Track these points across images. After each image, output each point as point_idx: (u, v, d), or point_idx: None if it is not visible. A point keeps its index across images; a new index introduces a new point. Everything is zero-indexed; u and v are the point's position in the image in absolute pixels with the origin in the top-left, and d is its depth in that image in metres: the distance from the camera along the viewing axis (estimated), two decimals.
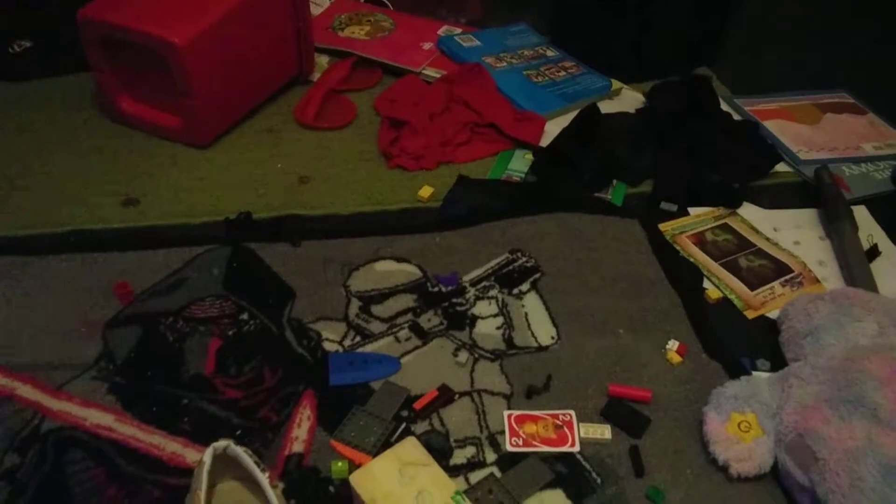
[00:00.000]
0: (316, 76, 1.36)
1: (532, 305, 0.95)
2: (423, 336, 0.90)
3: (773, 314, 0.95)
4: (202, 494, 0.62)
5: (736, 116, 1.30)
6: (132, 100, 1.20)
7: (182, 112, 1.15)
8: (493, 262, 1.01)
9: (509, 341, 0.90)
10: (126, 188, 1.11)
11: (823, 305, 0.87)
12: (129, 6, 1.10)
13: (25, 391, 0.81)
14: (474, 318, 0.93)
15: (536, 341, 0.90)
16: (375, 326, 0.91)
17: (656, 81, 1.34)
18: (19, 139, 1.20)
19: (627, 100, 1.36)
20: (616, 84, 1.37)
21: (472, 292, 0.96)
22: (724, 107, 1.31)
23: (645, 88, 1.35)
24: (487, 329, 0.92)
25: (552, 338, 0.91)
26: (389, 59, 1.39)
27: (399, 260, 1.00)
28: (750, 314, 0.96)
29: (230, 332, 0.89)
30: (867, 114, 1.35)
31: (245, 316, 0.91)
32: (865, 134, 1.29)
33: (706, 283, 1.00)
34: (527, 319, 0.93)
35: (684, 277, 1.00)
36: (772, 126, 1.28)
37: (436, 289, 0.96)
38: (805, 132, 1.28)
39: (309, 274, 0.98)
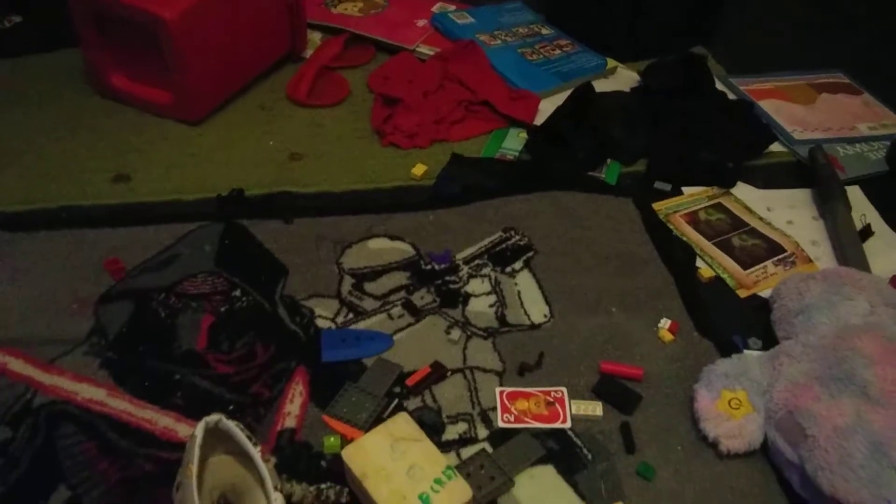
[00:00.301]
0: (308, 53, 1.35)
1: (525, 283, 0.95)
2: (416, 313, 0.90)
3: (765, 293, 0.95)
4: (194, 468, 0.62)
5: (731, 96, 1.29)
6: (123, 76, 1.19)
7: (173, 88, 1.14)
8: (486, 241, 1.01)
9: (502, 319, 0.90)
10: (117, 164, 1.10)
11: (815, 284, 0.87)
12: None
13: (17, 366, 0.81)
14: (467, 296, 0.93)
15: (529, 319, 0.91)
16: (368, 304, 0.91)
17: (651, 60, 1.33)
18: (9, 115, 1.19)
19: (622, 78, 1.35)
20: (611, 63, 1.37)
21: (465, 270, 0.96)
22: (719, 86, 1.31)
23: (640, 67, 1.34)
24: (480, 307, 0.92)
25: (545, 316, 0.91)
26: (383, 36, 1.38)
27: (392, 238, 1.00)
28: (742, 293, 0.96)
29: (222, 309, 0.88)
30: (862, 94, 1.34)
31: (237, 292, 0.90)
32: (860, 114, 1.29)
33: (699, 262, 1.00)
34: (519, 297, 0.93)
35: (677, 256, 1.00)
36: (766, 106, 1.28)
37: (429, 266, 0.96)
38: (800, 112, 1.27)
39: (301, 251, 0.97)
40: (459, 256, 0.98)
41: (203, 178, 1.08)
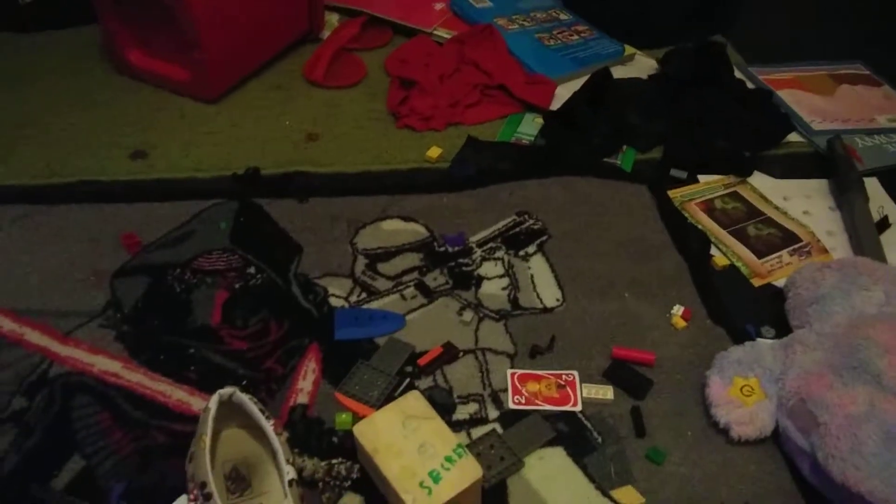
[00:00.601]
0: (326, 34, 1.35)
1: (538, 267, 0.95)
2: (429, 294, 0.91)
3: (779, 283, 0.94)
4: (207, 440, 0.63)
5: (749, 85, 1.28)
6: (141, 53, 1.19)
7: (191, 66, 1.14)
8: (500, 224, 1.01)
9: (514, 302, 0.90)
10: (134, 141, 1.10)
11: (830, 274, 0.87)
12: None
13: (34, 337, 0.82)
14: (480, 279, 0.93)
15: (541, 303, 0.91)
16: (381, 284, 0.92)
17: (670, 48, 1.32)
18: (28, 90, 1.20)
19: (640, 66, 1.34)
20: (629, 49, 1.36)
21: (478, 253, 0.96)
22: (738, 75, 1.30)
23: (658, 55, 1.33)
24: (493, 290, 0.92)
25: (557, 300, 0.91)
26: (400, 19, 1.37)
27: (406, 219, 1.00)
28: (756, 282, 0.95)
29: (237, 285, 0.89)
30: (882, 86, 1.33)
31: (252, 270, 0.91)
32: (880, 106, 1.27)
33: (713, 250, 0.99)
34: (532, 281, 0.93)
35: (691, 243, 1.00)
36: (785, 95, 1.27)
37: (442, 248, 0.96)
38: (819, 102, 1.26)
39: (316, 230, 0.98)
40: (473, 239, 0.98)
41: (219, 156, 1.09)
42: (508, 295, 0.91)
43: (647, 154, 1.14)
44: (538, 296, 0.91)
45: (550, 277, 0.94)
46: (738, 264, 0.97)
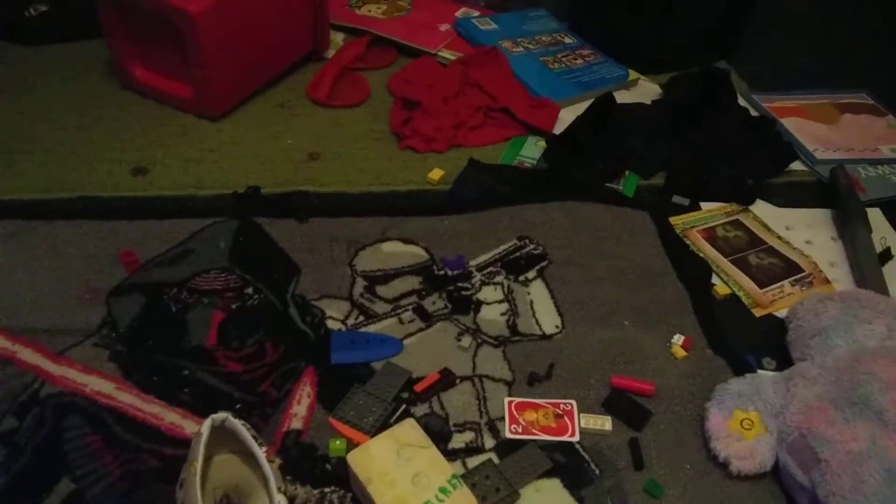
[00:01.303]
0: (331, 53, 1.35)
1: (538, 293, 0.94)
2: (427, 319, 0.90)
3: (781, 313, 0.94)
4: (198, 465, 0.62)
5: (753, 112, 1.28)
6: (145, 68, 1.19)
7: (194, 83, 1.14)
8: (500, 248, 1.00)
9: (513, 328, 0.90)
10: (136, 157, 1.10)
11: (833, 306, 0.86)
12: None
13: (26, 355, 0.81)
14: (479, 303, 0.92)
15: (540, 329, 0.90)
16: (379, 307, 0.91)
17: (674, 73, 1.32)
18: (31, 103, 1.20)
19: (644, 90, 1.34)
20: (633, 74, 1.36)
21: (477, 277, 0.96)
22: (742, 102, 1.30)
23: (662, 80, 1.33)
24: (492, 315, 0.91)
25: (556, 326, 0.90)
26: (405, 40, 1.37)
27: (406, 241, 1.00)
28: (758, 312, 0.95)
29: (234, 306, 0.88)
30: (887, 116, 1.33)
31: (249, 290, 0.90)
32: (884, 136, 1.27)
33: (715, 279, 0.99)
34: (532, 307, 0.92)
35: (692, 272, 0.99)
36: (789, 124, 1.27)
37: (441, 272, 0.96)
38: (822, 131, 1.26)
39: (315, 251, 0.97)
40: (473, 263, 0.97)
41: (220, 173, 1.08)
42: (507, 321, 0.91)
43: (650, 180, 1.14)
44: (537, 322, 0.91)
45: (550, 303, 0.93)
46: (740, 293, 0.97)
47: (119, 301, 0.88)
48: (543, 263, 0.98)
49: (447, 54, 1.35)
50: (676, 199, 1.11)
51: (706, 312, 0.93)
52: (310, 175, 1.09)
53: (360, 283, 0.93)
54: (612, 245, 1.02)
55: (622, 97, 1.26)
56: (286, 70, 1.30)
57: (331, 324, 0.88)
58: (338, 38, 1.39)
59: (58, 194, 1.02)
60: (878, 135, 1.27)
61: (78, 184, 1.04)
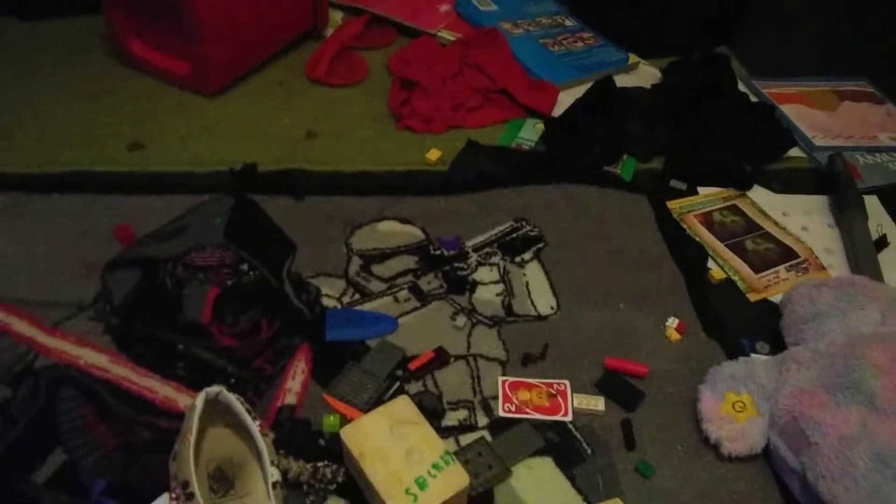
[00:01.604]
0: (329, 31, 1.34)
1: (533, 274, 0.94)
2: (423, 298, 0.90)
3: (776, 298, 0.94)
4: (192, 437, 0.62)
5: (752, 98, 1.28)
6: (143, 44, 1.18)
7: (192, 59, 1.13)
8: (497, 229, 1.00)
9: (508, 308, 0.90)
10: (133, 132, 1.10)
11: (828, 291, 0.86)
12: None
13: (21, 327, 0.81)
14: (475, 284, 0.92)
15: (536, 310, 0.90)
16: (375, 285, 0.91)
17: (674, 58, 1.32)
18: (28, 78, 1.19)
19: (644, 75, 1.34)
20: (633, 58, 1.35)
21: (474, 258, 0.96)
22: (741, 87, 1.29)
23: (662, 64, 1.33)
24: (487, 295, 0.91)
25: (552, 308, 0.90)
26: (405, 19, 1.37)
27: (403, 221, 1.00)
28: (753, 297, 0.95)
29: (229, 282, 0.88)
30: (886, 104, 1.32)
31: (245, 266, 0.90)
32: (883, 124, 1.27)
33: (711, 264, 0.99)
34: (527, 288, 0.93)
35: (689, 256, 0.99)
36: (788, 110, 1.26)
37: (438, 252, 0.96)
38: (821, 118, 1.26)
39: (311, 229, 0.97)
40: (469, 244, 0.97)
41: (217, 151, 1.08)
42: (503, 301, 0.91)
43: (648, 164, 1.14)
44: (532, 303, 0.91)
45: (546, 285, 0.93)
46: (735, 278, 0.97)
47: (114, 275, 0.88)
48: (540, 245, 0.98)
49: (447, 34, 1.34)
50: (674, 183, 1.11)
51: (701, 296, 0.93)
52: (307, 153, 1.09)
53: (356, 262, 0.93)
54: (609, 228, 1.02)
55: (622, 81, 1.26)
56: (285, 47, 1.29)
57: (326, 301, 0.88)
58: (337, 16, 1.38)
59: (53, 168, 1.02)
60: (877, 122, 1.27)
61: (75, 158, 1.04)
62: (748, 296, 0.95)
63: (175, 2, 1.05)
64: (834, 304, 0.85)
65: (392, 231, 0.98)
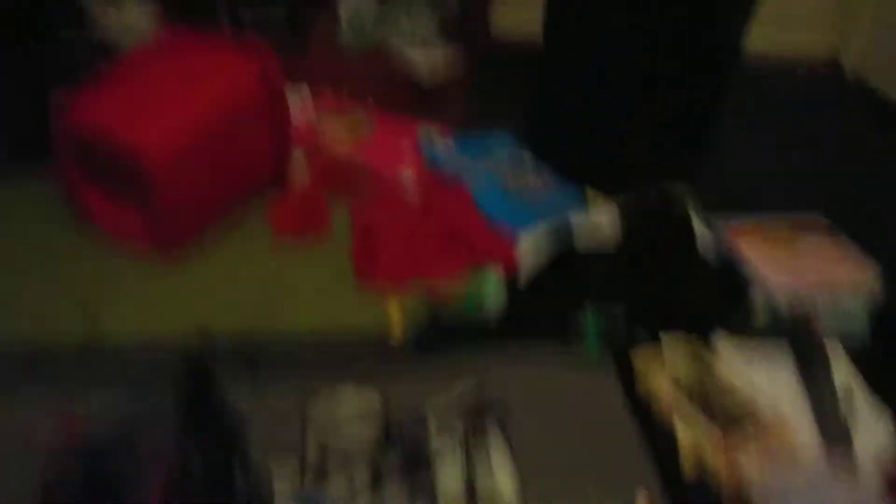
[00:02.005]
0: (293, 181, 1.34)
1: (496, 449, 0.92)
2: (380, 476, 0.87)
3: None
4: None
5: (709, 234, 1.28)
6: (101, 210, 1.17)
7: (149, 225, 1.13)
8: (458, 395, 0.98)
9: (470, 488, 0.87)
10: (87, 298, 1.08)
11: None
12: (106, 113, 1.09)
13: None
14: (435, 458, 0.90)
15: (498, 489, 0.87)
16: (332, 460, 0.88)
17: (630, 193, 1.33)
18: None
19: (602, 212, 1.34)
20: (591, 195, 1.37)
21: (434, 426, 0.93)
22: (698, 224, 1.30)
23: (620, 200, 1.33)
24: (448, 476, 0.88)
25: (515, 491, 0.88)
26: (369, 164, 1.37)
27: (361, 385, 0.97)
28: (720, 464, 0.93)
29: (176, 471, 0.85)
30: (841, 238, 1.33)
31: (193, 455, 0.87)
32: (839, 264, 1.26)
33: (677, 424, 0.97)
34: (489, 464, 0.90)
35: (657, 433, 0.98)
36: (746, 248, 1.26)
37: (397, 423, 0.93)
38: (780, 261, 1.25)
39: (266, 397, 0.95)
40: (430, 410, 0.95)
41: (173, 315, 1.07)
42: (464, 482, 0.88)
43: (610, 313, 1.13)
44: (495, 482, 0.88)
45: (509, 461, 0.91)
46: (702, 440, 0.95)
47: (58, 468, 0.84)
48: (501, 415, 0.96)
49: (409, 175, 1.35)
50: (637, 332, 1.10)
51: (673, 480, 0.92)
52: (265, 316, 1.08)
53: (313, 432, 0.91)
54: (573, 400, 1.01)
55: (580, 220, 1.26)
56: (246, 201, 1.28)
57: (279, 483, 0.85)
58: (300, 165, 1.37)
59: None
60: (834, 263, 1.26)
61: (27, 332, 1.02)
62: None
63: (136, 174, 1.05)
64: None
65: (350, 397, 0.96)
